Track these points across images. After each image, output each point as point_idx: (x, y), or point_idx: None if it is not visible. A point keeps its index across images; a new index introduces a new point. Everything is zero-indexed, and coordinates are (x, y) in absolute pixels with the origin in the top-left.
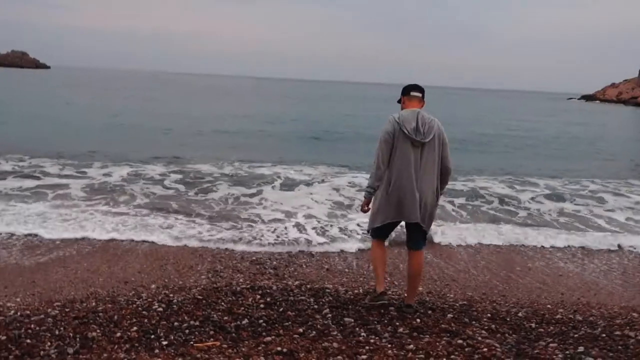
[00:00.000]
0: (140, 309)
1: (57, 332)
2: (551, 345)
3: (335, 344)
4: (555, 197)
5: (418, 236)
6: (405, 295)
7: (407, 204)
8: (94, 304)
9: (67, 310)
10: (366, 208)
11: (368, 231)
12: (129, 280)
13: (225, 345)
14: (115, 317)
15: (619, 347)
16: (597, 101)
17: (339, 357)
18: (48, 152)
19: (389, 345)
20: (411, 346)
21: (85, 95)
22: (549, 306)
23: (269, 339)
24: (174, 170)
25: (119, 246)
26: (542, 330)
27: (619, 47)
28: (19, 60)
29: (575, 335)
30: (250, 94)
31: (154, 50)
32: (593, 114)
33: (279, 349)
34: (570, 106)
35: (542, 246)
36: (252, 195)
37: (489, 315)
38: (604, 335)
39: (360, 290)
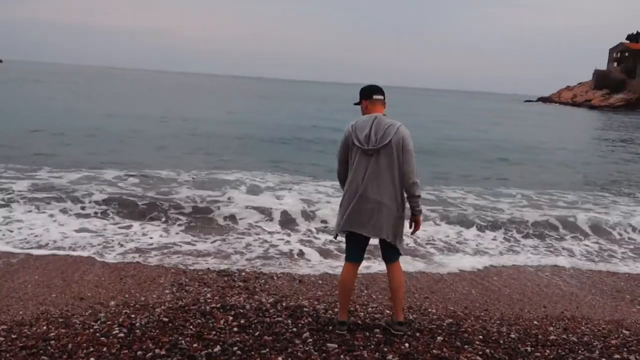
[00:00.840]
0: (98, 334)
1: None
2: None
3: None
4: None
5: (387, 249)
6: (392, 312)
7: (359, 215)
8: (45, 327)
9: (13, 336)
10: None
11: (335, 236)
12: (85, 297)
13: None
14: (70, 345)
15: None
16: (553, 103)
17: None
18: None
19: None
20: None
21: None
22: (535, 322)
23: None
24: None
25: (74, 256)
26: (539, 354)
27: (574, 50)
28: None
29: None
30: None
31: (112, 45)
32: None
33: None
34: (529, 108)
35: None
36: (214, 202)
37: (480, 337)
38: (603, 359)
39: None
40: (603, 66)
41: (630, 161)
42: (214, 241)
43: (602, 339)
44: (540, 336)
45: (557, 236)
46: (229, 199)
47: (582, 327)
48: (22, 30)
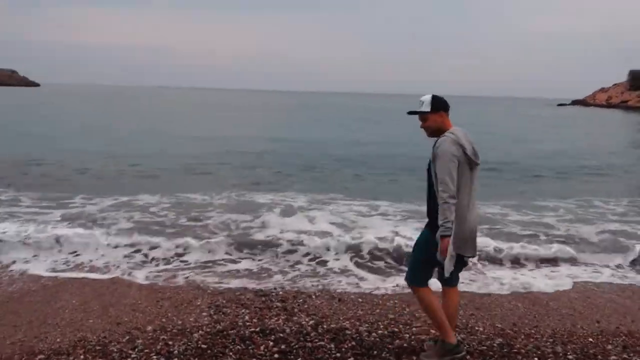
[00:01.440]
0: None
1: None
2: None
3: None
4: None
5: (460, 269)
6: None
7: (473, 237)
8: (82, 357)
9: None
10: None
11: (411, 276)
12: (122, 321)
13: None
14: None
15: None
16: (588, 106)
17: None
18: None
19: None
20: None
21: None
22: (591, 340)
23: None
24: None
25: (110, 278)
26: None
27: (608, 52)
28: (7, 79)
29: None
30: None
31: (140, 64)
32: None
33: None
34: (565, 112)
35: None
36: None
37: (535, 359)
38: None
39: (386, 332)
40: (639, 66)
41: None
42: (247, 260)
43: None
44: (599, 356)
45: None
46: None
47: None
48: (58, 53)
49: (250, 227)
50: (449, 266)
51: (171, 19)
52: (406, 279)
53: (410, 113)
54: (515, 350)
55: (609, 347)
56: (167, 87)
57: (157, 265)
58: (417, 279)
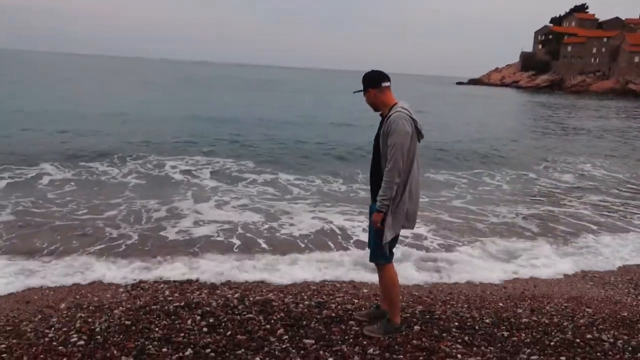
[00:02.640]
0: (55, 344)
1: None
2: (532, 358)
3: None
4: None
5: (395, 244)
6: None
7: (416, 211)
8: None
9: None
10: (380, 225)
11: (382, 255)
12: (31, 299)
13: None
14: (25, 358)
15: (598, 354)
16: (483, 85)
17: None
18: None
19: None
20: None
21: None
22: (501, 304)
23: None
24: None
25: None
26: (515, 338)
27: (502, 33)
28: None
29: (551, 343)
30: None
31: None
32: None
33: None
34: (462, 90)
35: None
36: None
37: (456, 324)
38: (578, 340)
39: (312, 302)
40: (529, 48)
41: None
42: (153, 230)
43: (570, 318)
44: (513, 320)
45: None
46: None
47: (547, 307)
48: None
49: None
50: (386, 236)
51: None
52: (370, 259)
53: (356, 92)
54: (437, 317)
55: (519, 310)
56: None
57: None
58: (381, 256)
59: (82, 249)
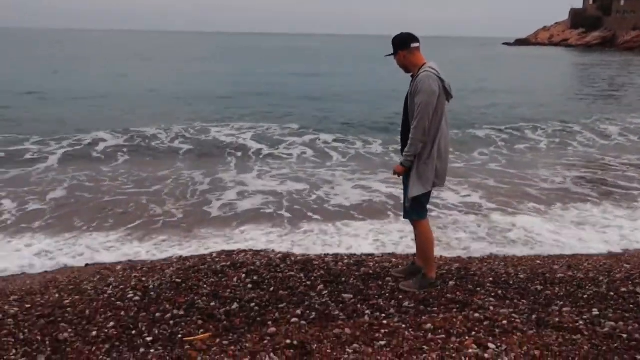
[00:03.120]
0: (113, 299)
1: (21, 337)
2: (565, 309)
3: (347, 330)
4: None
5: (429, 200)
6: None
7: (446, 169)
8: (57, 296)
9: (27, 306)
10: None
11: (415, 211)
12: (89, 261)
13: (225, 342)
14: (87, 311)
15: (631, 305)
16: (530, 45)
17: (355, 345)
18: None
19: (404, 326)
20: (428, 325)
21: None
22: (538, 262)
23: (273, 329)
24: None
25: None
26: (549, 292)
27: None
28: None
29: (585, 296)
30: None
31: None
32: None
33: (288, 341)
34: (508, 51)
35: None
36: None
37: (490, 279)
38: (612, 293)
39: (351, 261)
40: (579, 5)
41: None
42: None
43: (607, 274)
44: (548, 275)
45: None
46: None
47: (586, 264)
48: None
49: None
50: (414, 192)
51: None
52: (405, 216)
53: (387, 55)
54: (472, 273)
55: (555, 267)
56: None
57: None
58: (415, 213)
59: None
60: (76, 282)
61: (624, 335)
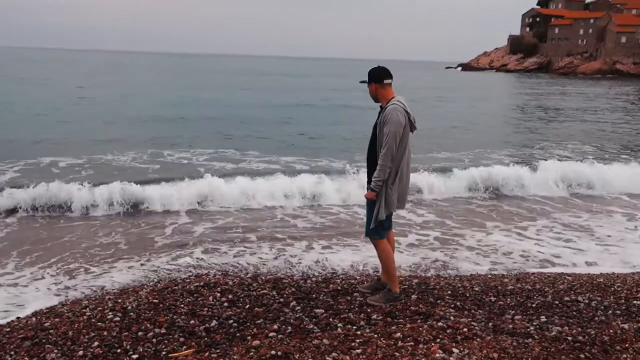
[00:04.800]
0: (93, 320)
1: (9, 358)
2: (517, 317)
3: (325, 340)
4: None
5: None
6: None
7: (406, 194)
8: (34, 319)
9: (7, 329)
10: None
11: (376, 231)
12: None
13: (214, 355)
14: (70, 332)
15: (574, 312)
16: (472, 69)
17: (333, 354)
18: None
19: (376, 336)
20: (398, 334)
21: None
22: (489, 276)
23: (257, 342)
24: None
25: None
26: (502, 302)
27: (491, 17)
28: None
29: (533, 305)
30: None
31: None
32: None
33: (273, 352)
34: (451, 77)
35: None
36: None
37: (449, 292)
38: (556, 302)
39: (319, 279)
40: (518, 31)
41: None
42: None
43: (551, 284)
44: (499, 287)
45: None
46: None
47: (532, 277)
48: None
49: None
50: (380, 215)
51: None
52: (366, 234)
53: (361, 82)
54: (432, 287)
55: (506, 280)
56: None
57: None
58: (375, 232)
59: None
60: (50, 307)
61: (569, 338)
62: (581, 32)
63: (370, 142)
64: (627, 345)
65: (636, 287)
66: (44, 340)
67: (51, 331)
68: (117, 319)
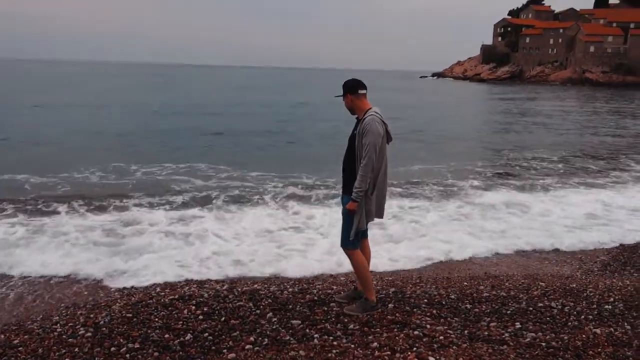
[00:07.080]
0: (64, 336)
1: None
2: (492, 324)
3: (301, 352)
4: None
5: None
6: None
7: (383, 203)
8: (2, 337)
9: None
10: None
11: (348, 241)
12: (29, 307)
13: None
14: (40, 350)
15: (548, 318)
16: (446, 78)
17: None
18: None
19: (353, 346)
20: (375, 344)
21: None
22: (465, 283)
23: (232, 355)
24: None
25: None
26: (477, 310)
27: (464, 27)
28: None
29: (508, 312)
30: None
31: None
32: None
33: None
34: (426, 85)
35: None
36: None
37: (425, 301)
38: (530, 308)
39: (296, 289)
40: (490, 41)
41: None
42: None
43: (526, 291)
44: (475, 295)
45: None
46: None
47: (507, 283)
48: None
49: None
50: (361, 226)
51: None
52: (341, 244)
53: (337, 96)
54: (408, 296)
55: (481, 287)
56: None
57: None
58: (350, 243)
59: None
60: (19, 323)
61: (543, 344)
62: (551, 41)
63: (347, 153)
64: (599, 349)
65: (608, 292)
66: (12, 359)
67: (20, 349)
68: (89, 334)
